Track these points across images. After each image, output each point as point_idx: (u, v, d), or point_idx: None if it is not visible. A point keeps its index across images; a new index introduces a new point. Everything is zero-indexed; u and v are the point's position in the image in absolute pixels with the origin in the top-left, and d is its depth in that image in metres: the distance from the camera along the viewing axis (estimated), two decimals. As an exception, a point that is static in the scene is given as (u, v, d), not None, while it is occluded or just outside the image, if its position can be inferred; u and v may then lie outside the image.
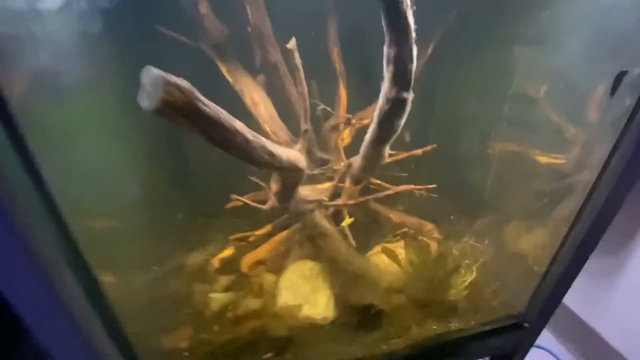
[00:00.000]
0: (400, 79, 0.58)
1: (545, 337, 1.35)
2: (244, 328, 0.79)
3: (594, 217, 0.77)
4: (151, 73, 0.40)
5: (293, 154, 0.65)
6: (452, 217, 1.11)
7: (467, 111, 1.15)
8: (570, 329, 1.29)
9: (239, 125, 0.51)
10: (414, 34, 0.56)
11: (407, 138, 0.99)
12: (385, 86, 0.60)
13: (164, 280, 0.88)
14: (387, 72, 0.59)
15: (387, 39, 0.56)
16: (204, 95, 0.45)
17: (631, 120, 0.64)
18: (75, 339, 0.55)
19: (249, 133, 0.53)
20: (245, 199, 0.88)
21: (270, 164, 0.60)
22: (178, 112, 0.43)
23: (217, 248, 0.94)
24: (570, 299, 1.19)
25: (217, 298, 0.81)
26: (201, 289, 0.84)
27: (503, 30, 0.94)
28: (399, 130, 0.68)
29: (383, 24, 0.56)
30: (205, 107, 0.46)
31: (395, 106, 0.61)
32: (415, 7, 0.56)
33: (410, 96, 0.61)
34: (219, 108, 0.48)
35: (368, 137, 0.72)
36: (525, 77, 0.92)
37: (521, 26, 0.89)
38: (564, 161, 0.90)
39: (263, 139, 0.57)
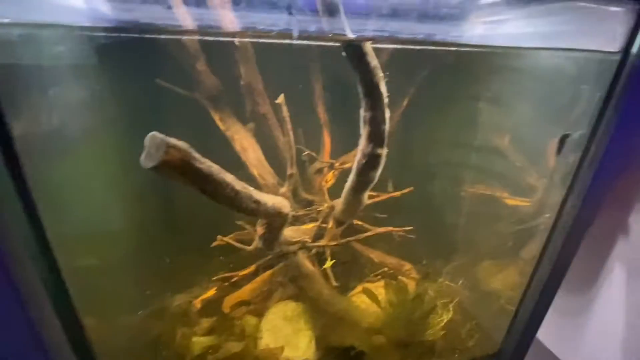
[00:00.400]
0: (375, 138, 0.66)
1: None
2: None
3: (555, 258, 0.84)
4: (154, 138, 0.46)
5: (278, 201, 0.70)
6: (424, 262, 1.16)
7: (439, 160, 1.26)
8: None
9: (229, 178, 0.56)
10: (386, 100, 0.65)
11: (390, 187, 1.06)
12: (362, 143, 0.68)
13: (147, 322, 0.88)
14: (363, 132, 0.67)
15: (363, 104, 0.64)
16: (196, 140, 0.50)
17: (576, 175, 0.74)
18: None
19: (238, 185, 0.58)
20: (229, 240, 0.91)
21: (256, 211, 0.64)
22: (175, 169, 0.48)
23: (201, 289, 0.95)
24: (546, 337, 1.23)
25: (199, 341, 0.81)
26: (183, 331, 0.84)
27: (472, 93, 1.08)
28: (376, 180, 0.75)
29: (360, 91, 0.64)
30: (199, 164, 0.51)
31: (371, 160, 0.68)
32: (387, 78, 0.65)
33: (384, 152, 0.69)
34: (212, 164, 0.53)
35: (348, 185, 0.79)
36: (488, 132, 1.04)
37: (485, 91, 1.02)
38: (528, 205, 0.99)
39: (250, 188, 0.62)
